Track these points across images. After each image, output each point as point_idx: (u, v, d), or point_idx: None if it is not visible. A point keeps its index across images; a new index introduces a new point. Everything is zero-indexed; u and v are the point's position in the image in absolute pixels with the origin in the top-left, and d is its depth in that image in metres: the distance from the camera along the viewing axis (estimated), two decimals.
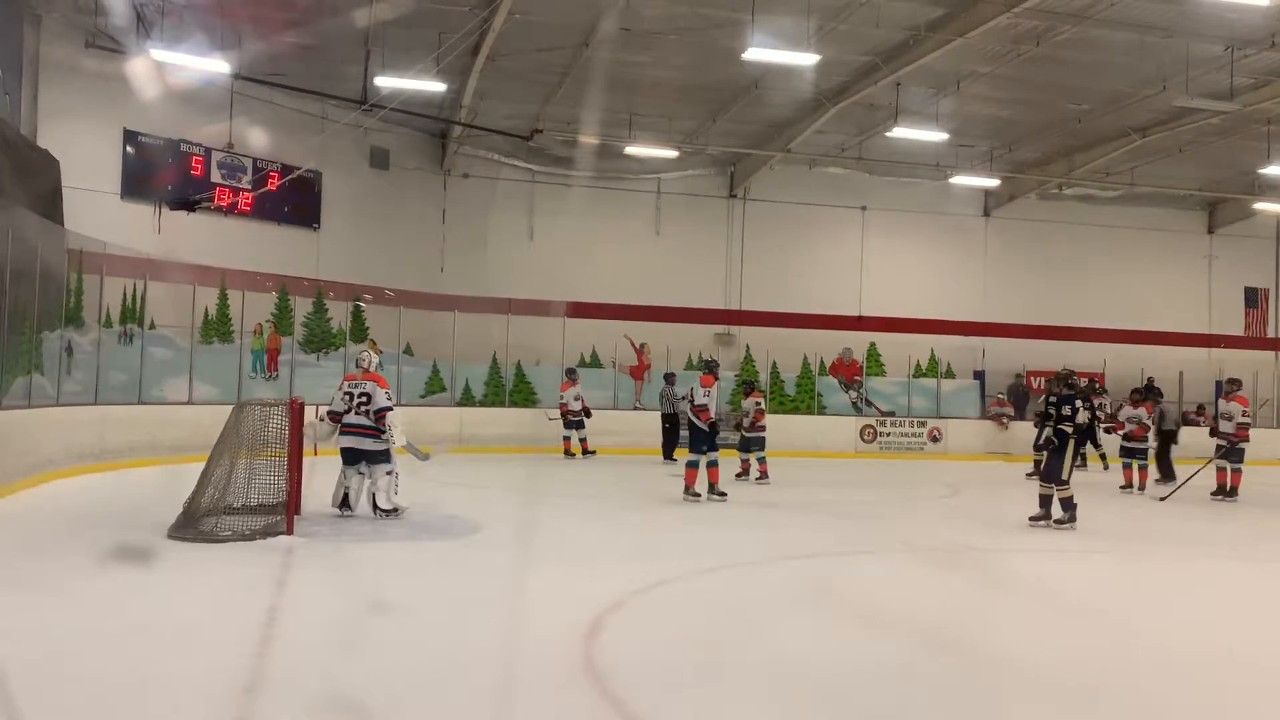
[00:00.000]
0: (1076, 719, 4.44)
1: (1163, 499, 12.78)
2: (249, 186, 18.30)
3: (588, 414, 17.32)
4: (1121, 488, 13.95)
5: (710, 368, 11.87)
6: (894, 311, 23.31)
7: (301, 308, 18.49)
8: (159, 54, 14.97)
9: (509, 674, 4.65)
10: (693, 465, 11.18)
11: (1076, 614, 6.42)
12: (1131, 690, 4.80)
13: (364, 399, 9.23)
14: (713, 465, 11.18)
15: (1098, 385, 23.06)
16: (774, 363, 21.05)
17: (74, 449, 11.90)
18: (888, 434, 20.36)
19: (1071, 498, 9.86)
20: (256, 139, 18.10)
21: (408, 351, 19.00)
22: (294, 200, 18.97)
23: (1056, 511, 9.87)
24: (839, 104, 18.34)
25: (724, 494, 11.14)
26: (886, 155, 21.45)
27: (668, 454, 16.84)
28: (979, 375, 22.96)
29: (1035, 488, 10.31)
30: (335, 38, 16.04)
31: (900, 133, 18.43)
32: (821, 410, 20.80)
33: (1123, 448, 14.43)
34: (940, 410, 21.22)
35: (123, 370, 14.45)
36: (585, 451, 17.22)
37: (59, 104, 15.43)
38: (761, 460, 13.57)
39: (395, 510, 9.17)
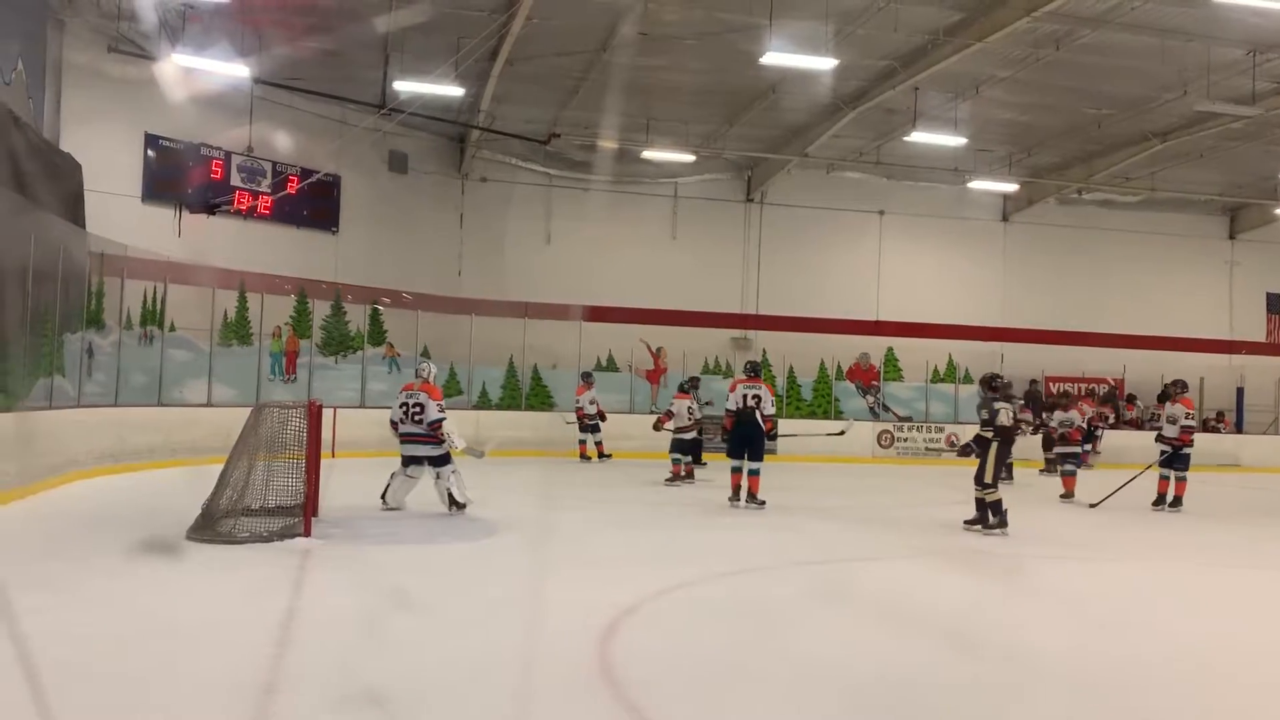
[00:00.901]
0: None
1: (1093, 505, 12.14)
2: (269, 190, 18.41)
3: (603, 418, 17.30)
4: (1061, 496, 13.12)
5: (757, 369, 11.73)
6: (912, 316, 23.22)
7: (320, 311, 18.59)
8: (181, 59, 15.07)
9: (525, 677, 4.66)
10: (754, 473, 10.96)
11: (1098, 618, 6.37)
12: (1151, 691, 4.77)
13: (418, 409, 9.81)
14: (755, 474, 11.03)
15: (1098, 391, 22.99)
16: (790, 367, 21.03)
17: (95, 450, 11.98)
18: (905, 439, 20.28)
19: (999, 502, 9.71)
20: (276, 143, 18.21)
21: (425, 354, 19.03)
22: (313, 204, 19.07)
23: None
24: (857, 108, 18.30)
25: (763, 502, 10.94)
26: (904, 160, 21.40)
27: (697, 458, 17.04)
28: None
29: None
30: (355, 43, 16.12)
31: (918, 137, 18.38)
32: (839, 415, 20.74)
33: (1060, 454, 14.25)
34: (958, 415, 21.10)
35: (143, 372, 14.57)
36: (601, 455, 17.23)
37: (82, 108, 15.55)
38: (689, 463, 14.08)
39: (465, 505, 9.69)
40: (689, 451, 14.24)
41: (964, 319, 23.59)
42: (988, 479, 9.73)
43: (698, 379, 16.99)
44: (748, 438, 11.04)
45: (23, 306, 10.61)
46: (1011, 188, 22.63)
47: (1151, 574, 8.42)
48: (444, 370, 19.24)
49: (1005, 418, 9.97)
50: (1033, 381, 22.40)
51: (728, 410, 11.28)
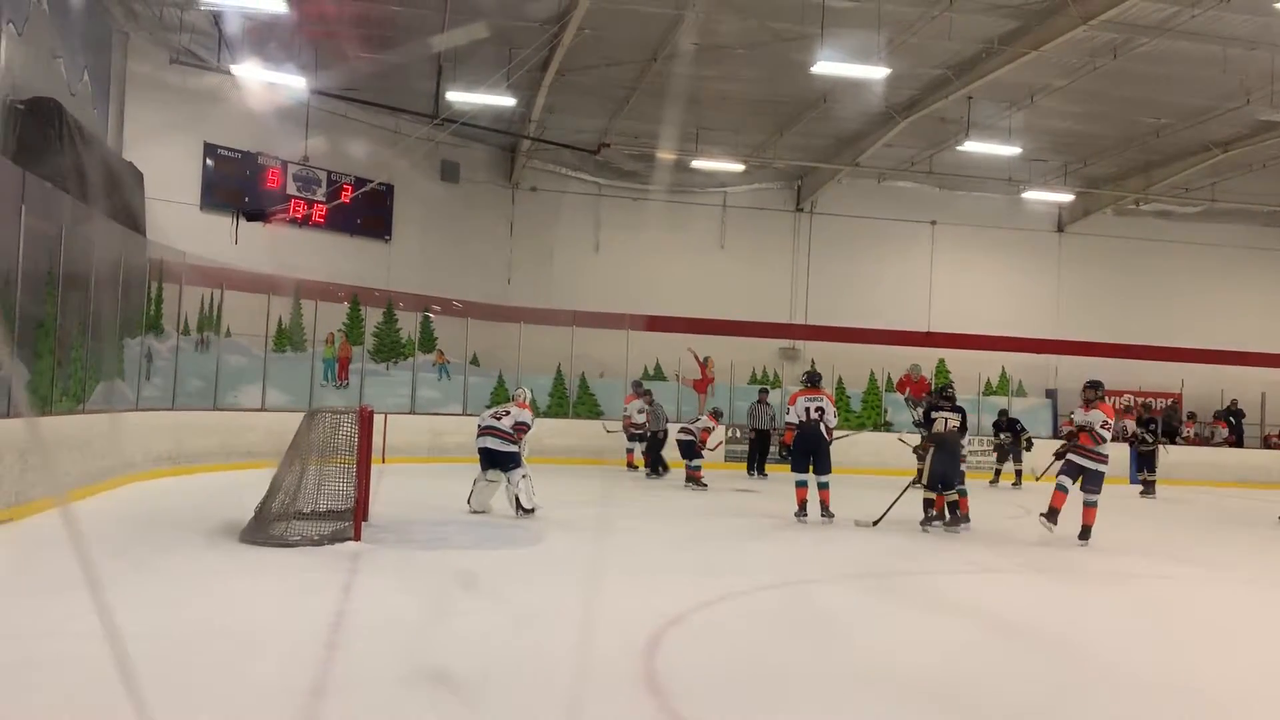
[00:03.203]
0: None
1: (875, 523, 10.62)
2: (323, 199, 18.70)
3: (657, 432, 17.18)
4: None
5: (817, 380, 11.51)
6: (964, 328, 22.93)
7: (372, 318, 18.83)
8: (239, 70, 15.39)
9: (568, 685, 4.66)
10: (824, 486, 10.81)
11: (1139, 629, 6.23)
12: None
13: (505, 412, 10.43)
14: (824, 487, 10.85)
15: (1149, 409, 22.52)
16: (839, 378, 20.88)
17: (152, 453, 12.23)
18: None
19: (956, 503, 10.52)
20: (331, 152, 18.53)
21: (474, 362, 19.23)
22: (366, 212, 19.35)
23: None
24: (909, 117, 18.16)
25: (832, 514, 10.72)
26: (957, 169, 21.18)
27: (752, 467, 17.15)
28: (1051, 394, 22.50)
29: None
30: (409, 54, 16.32)
31: (971, 147, 18.18)
32: (888, 427, 20.54)
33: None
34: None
35: (199, 376, 14.85)
36: (648, 465, 17.19)
37: (144, 118, 15.94)
38: (696, 468, 14.70)
39: (534, 510, 10.08)
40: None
41: (1017, 331, 23.24)
42: (925, 480, 10.49)
43: (644, 386, 17.51)
44: (811, 451, 10.81)
45: (85, 312, 10.87)
46: (1067, 198, 22.29)
47: (1203, 591, 8.22)
48: (492, 378, 19.39)
49: (941, 425, 10.59)
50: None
51: (789, 424, 11.03)
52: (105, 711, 4.06)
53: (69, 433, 9.87)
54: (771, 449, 17.61)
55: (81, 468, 9.97)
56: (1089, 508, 9.99)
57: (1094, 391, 10.25)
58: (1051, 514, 10.00)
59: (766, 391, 18.19)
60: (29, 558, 7.33)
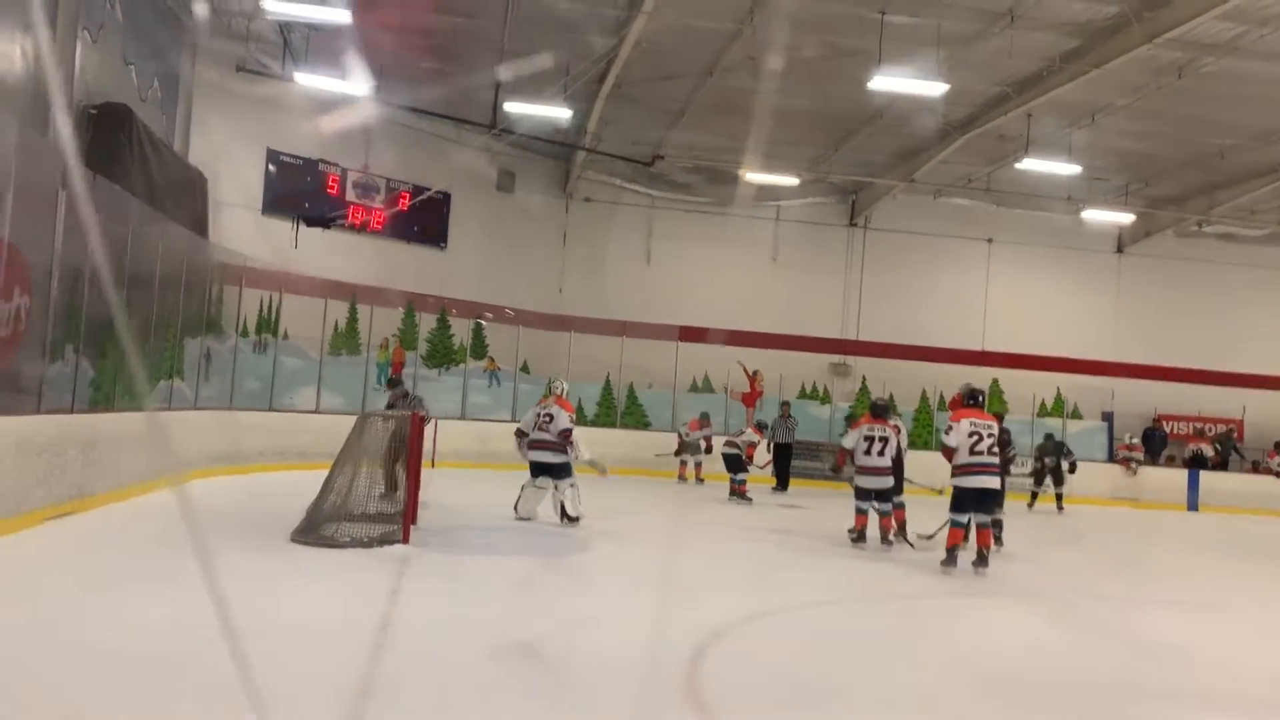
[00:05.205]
0: None
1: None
2: (382, 205, 18.99)
3: (708, 450, 17.12)
4: None
5: (883, 410, 10.80)
6: (1019, 347, 22.56)
7: (426, 324, 19.05)
8: (302, 78, 15.70)
9: (613, 695, 4.68)
10: (884, 513, 10.34)
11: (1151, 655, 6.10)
12: None
13: (548, 418, 10.40)
14: (885, 514, 10.46)
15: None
16: (890, 395, 20.64)
17: (208, 451, 12.48)
18: (1009, 475, 19.67)
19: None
20: (390, 160, 18.81)
21: (525, 369, 19.36)
22: (423, 220, 19.61)
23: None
24: (967, 134, 18.00)
25: (891, 542, 10.28)
26: (1015, 187, 20.92)
27: (781, 483, 17.06)
28: (1107, 417, 22.09)
29: (1164, 537, 9.87)
30: (468, 65, 16.55)
31: (1030, 164, 17.94)
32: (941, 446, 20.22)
33: None
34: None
35: (256, 378, 15.14)
36: (698, 479, 17.22)
37: (210, 124, 16.31)
38: (741, 481, 14.52)
39: (579, 519, 10.13)
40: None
41: (1073, 352, 22.80)
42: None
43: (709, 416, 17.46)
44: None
45: (149, 312, 11.14)
46: (1127, 218, 21.89)
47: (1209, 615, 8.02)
48: (541, 386, 19.51)
49: (849, 441, 10.39)
50: (1155, 420, 21.68)
51: (844, 448, 10.55)
52: (163, 702, 4.16)
53: (130, 430, 10.11)
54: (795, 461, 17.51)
55: (141, 465, 10.21)
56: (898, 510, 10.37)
57: (973, 398, 9.53)
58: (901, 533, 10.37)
59: (789, 405, 18.13)
60: (90, 550, 7.54)
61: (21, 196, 7.67)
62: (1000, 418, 10.58)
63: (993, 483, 9.01)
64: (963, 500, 8.98)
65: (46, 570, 6.66)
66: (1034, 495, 16.78)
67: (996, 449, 8.97)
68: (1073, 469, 16.38)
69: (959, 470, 8.95)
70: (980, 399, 9.57)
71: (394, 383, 12.56)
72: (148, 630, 5.21)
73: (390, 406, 11.60)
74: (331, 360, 16.85)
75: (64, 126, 7.34)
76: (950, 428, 9.06)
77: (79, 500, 8.68)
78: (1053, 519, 15.54)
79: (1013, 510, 13.94)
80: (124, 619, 5.44)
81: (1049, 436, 17.42)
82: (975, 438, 8.88)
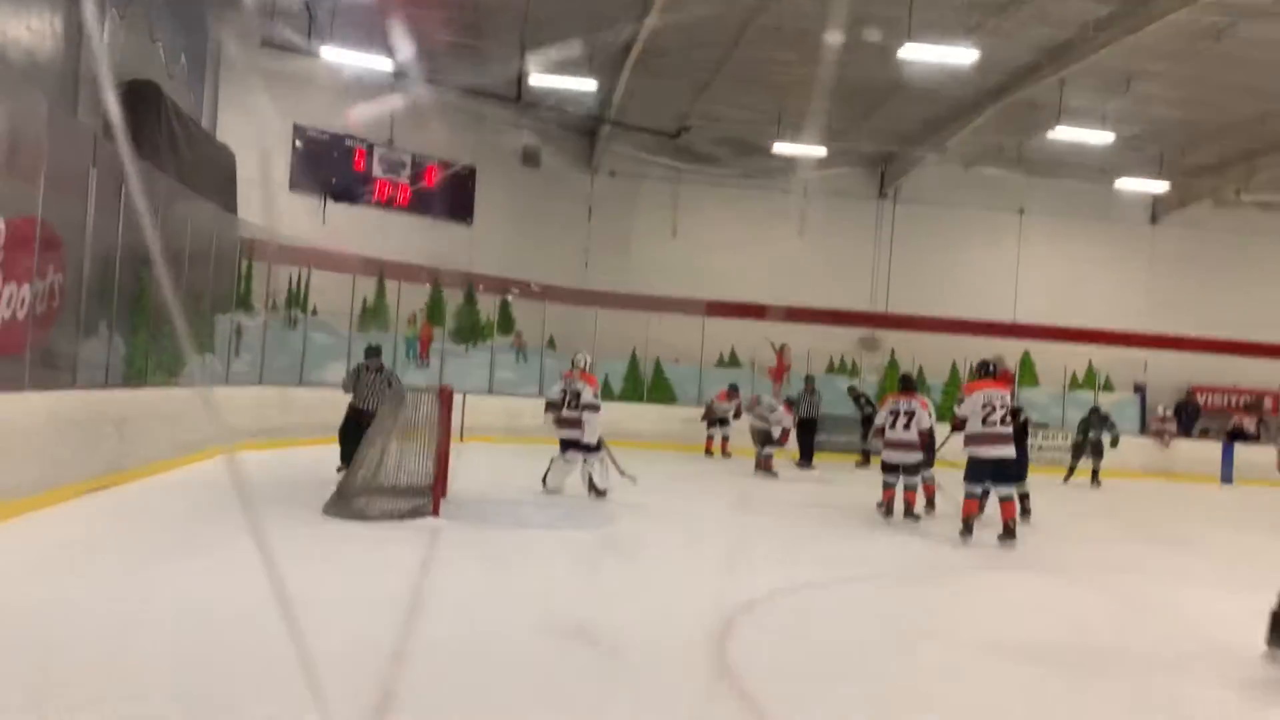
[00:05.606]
0: None
1: None
2: (408, 181, 19.00)
3: (736, 416, 17.06)
4: None
5: (911, 383, 10.98)
6: (1050, 319, 22.31)
7: (453, 300, 19.09)
8: (328, 54, 15.69)
9: (642, 667, 4.68)
10: (910, 487, 10.32)
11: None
12: None
13: (574, 396, 10.46)
14: (930, 481, 10.55)
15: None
16: (920, 368, 20.51)
17: (239, 426, 12.58)
18: (1040, 447, 19.51)
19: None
20: (415, 135, 18.80)
21: (551, 345, 19.38)
22: (449, 195, 19.62)
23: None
24: (998, 103, 17.72)
25: (918, 516, 10.20)
26: (1047, 157, 20.62)
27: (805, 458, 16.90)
28: (1140, 389, 21.84)
29: (1198, 507, 9.74)
30: (492, 38, 16.48)
31: (1063, 133, 17.64)
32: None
33: None
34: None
35: (286, 353, 15.24)
36: (725, 453, 17.20)
37: (236, 100, 16.35)
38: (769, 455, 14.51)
39: (605, 492, 10.28)
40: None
41: (1106, 324, 22.51)
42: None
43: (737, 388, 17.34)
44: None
45: (178, 288, 11.22)
46: (1162, 188, 21.50)
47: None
48: (567, 362, 19.52)
49: (879, 417, 10.59)
50: (1188, 392, 21.42)
51: (876, 425, 10.66)
52: (205, 672, 4.21)
53: (161, 405, 10.21)
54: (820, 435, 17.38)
55: (173, 439, 10.32)
56: (909, 491, 10.20)
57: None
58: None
59: (813, 380, 18.01)
60: (127, 523, 7.63)
61: (53, 175, 7.72)
62: (1011, 380, 10.66)
63: (1006, 451, 9.01)
64: (976, 470, 9.02)
65: (85, 544, 6.74)
66: (1071, 470, 16.56)
67: (1010, 419, 9.04)
68: (1114, 443, 16.14)
69: (972, 441, 9.04)
70: (992, 369, 9.63)
71: (373, 352, 11.09)
72: (187, 601, 5.27)
73: (355, 374, 10.75)
74: (360, 336, 16.92)
75: (112, 107, 7.35)
76: (962, 399, 9.26)
77: (115, 474, 8.79)
78: (1085, 493, 15.37)
79: (1046, 484, 13.85)
80: (163, 591, 5.51)
81: (1095, 410, 17.11)
82: (988, 409, 8.96)
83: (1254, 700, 4.91)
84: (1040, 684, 4.90)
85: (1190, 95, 17.49)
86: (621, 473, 10.60)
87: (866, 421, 17.48)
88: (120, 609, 5.05)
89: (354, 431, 9.92)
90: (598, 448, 10.41)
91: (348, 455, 9.79)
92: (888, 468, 10.34)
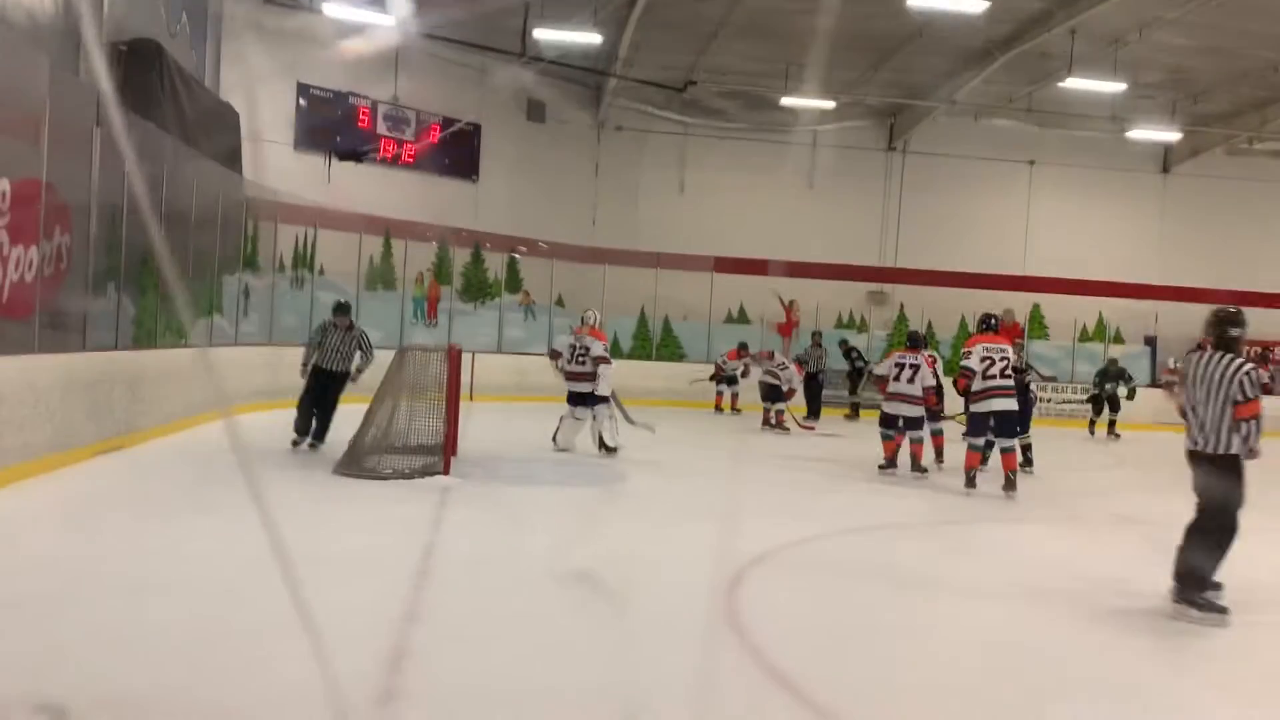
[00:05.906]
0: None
1: None
2: (412, 138, 18.87)
3: (745, 375, 17.02)
4: None
5: (917, 340, 10.80)
6: (1061, 272, 22.11)
7: (460, 258, 19.03)
8: (331, 10, 15.51)
9: (652, 619, 4.72)
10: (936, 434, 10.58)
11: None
12: None
13: (584, 350, 10.53)
14: (938, 434, 10.75)
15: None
16: (929, 322, 20.42)
17: (250, 386, 12.62)
18: (1049, 400, 19.51)
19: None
20: (419, 92, 18.64)
21: (559, 303, 19.34)
22: (454, 152, 19.48)
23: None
24: (1008, 53, 17.48)
25: (924, 470, 10.23)
26: (1058, 107, 20.34)
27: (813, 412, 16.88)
28: (1150, 341, 21.74)
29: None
30: None
31: (1074, 83, 17.40)
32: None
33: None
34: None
35: (294, 313, 15.24)
36: (734, 409, 17.22)
37: (239, 58, 16.20)
38: (780, 411, 14.50)
39: (616, 449, 10.22)
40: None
41: (1117, 275, 22.29)
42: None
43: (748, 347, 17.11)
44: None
45: (186, 248, 11.21)
46: (1174, 137, 21.27)
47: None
48: (576, 319, 19.49)
49: (881, 368, 10.91)
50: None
51: (879, 377, 10.86)
52: (219, 629, 4.26)
53: (172, 366, 10.25)
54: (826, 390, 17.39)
55: (186, 400, 10.36)
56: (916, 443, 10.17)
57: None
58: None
59: (820, 335, 17.97)
60: (140, 483, 7.70)
61: (56, 136, 7.68)
62: (1020, 334, 10.75)
63: (1008, 404, 9.20)
64: (978, 423, 9.23)
65: (99, 504, 6.81)
66: (1092, 422, 16.58)
67: (1010, 372, 9.23)
68: (1131, 395, 16.14)
69: (974, 395, 9.20)
70: (993, 323, 9.82)
71: (342, 309, 10.18)
72: (200, 561, 5.33)
73: (321, 332, 9.95)
74: (368, 295, 16.91)
75: (100, 67, 7.28)
76: (968, 353, 9.36)
77: (126, 435, 8.84)
78: (1097, 443, 15.40)
79: (1057, 435, 13.83)
80: (176, 550, 5.57)
81: (1113, 361, 17.10)
82: (988, 362, 9.14)
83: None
84: (1047, 630, 4.93)
85: (1203, 42, 17.22)
86: (632, 423, 10.63)
87: (855, 375, 17.57)
88: (132, 569, 5.10)
89: (318, 396, 9.48)
90: (607, 402, 10.44)
91: (304, 425, 9.54)
92: (887, 420, 10.33)
